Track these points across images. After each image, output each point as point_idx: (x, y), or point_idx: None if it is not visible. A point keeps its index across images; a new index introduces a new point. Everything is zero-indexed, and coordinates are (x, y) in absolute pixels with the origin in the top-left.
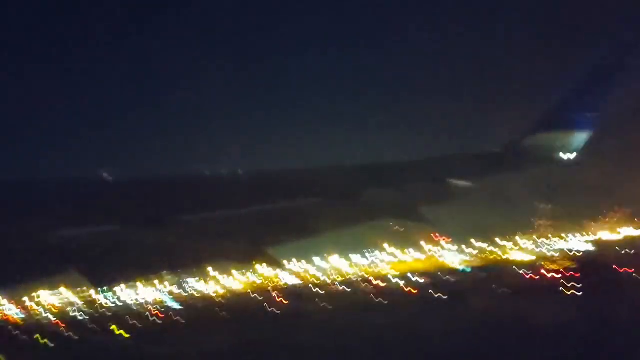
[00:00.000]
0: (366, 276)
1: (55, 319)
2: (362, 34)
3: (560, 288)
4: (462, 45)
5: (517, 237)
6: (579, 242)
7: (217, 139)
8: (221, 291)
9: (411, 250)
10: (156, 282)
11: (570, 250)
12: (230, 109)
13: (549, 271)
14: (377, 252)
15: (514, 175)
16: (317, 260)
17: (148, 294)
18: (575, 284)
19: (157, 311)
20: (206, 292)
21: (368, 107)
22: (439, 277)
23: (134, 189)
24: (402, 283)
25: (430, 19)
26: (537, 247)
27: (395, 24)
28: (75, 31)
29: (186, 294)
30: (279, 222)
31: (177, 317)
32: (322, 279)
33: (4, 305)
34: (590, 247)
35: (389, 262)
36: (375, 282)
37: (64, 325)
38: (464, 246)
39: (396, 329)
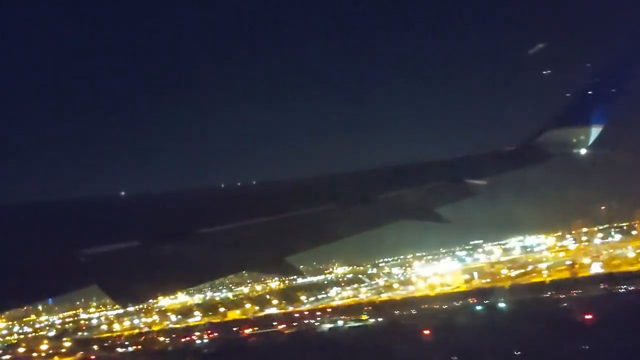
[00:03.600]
0: None
1: None
2: (376, 38)
3: None
4: (475, 46)
5: None
6: None
7: (231, 150)
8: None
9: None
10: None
11: None
12: (245, 120)
13: None
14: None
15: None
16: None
17: None
18: None
19: None
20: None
21: (382, 111)
22: None
23: (151, 204)
24: None
25: (443, 22)
26: None
27: (410, 28)
28: (105, 66)
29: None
30: (297, 230)
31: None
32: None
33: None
34: None
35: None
36: None
37: None
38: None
39: None
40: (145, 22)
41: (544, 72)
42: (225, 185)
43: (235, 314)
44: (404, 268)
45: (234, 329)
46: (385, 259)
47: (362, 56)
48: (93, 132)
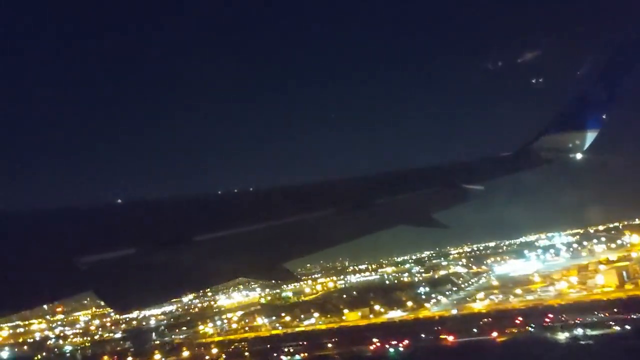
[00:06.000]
0: None
1: None
2: (375, 44)
3: None
4: (472, 52)
5: None
6: None
7: (228, 156)
8: None
9: None
10: None
11: None
12: (242, 126)
13: None
14: None
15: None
16: None
17: None
18: None
19: None
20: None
21: (380, 117)
22: None
23: (148, 211)
24: None
25: (442, 27)
26: None
27: (409, 33)
28: (106, 70)
29: None
30: (294, 235)
31: None
32: None
33: None
34: None
35: None
36: None
37: None
38: None
39: None
40: (144, 23)
41: (536, 80)
42: (222, 191)
43: (356, 316)
44: (469, 266)
45: (422, 335)
46: (427, 254)
47: (360, 61)
48: (89, 139)
